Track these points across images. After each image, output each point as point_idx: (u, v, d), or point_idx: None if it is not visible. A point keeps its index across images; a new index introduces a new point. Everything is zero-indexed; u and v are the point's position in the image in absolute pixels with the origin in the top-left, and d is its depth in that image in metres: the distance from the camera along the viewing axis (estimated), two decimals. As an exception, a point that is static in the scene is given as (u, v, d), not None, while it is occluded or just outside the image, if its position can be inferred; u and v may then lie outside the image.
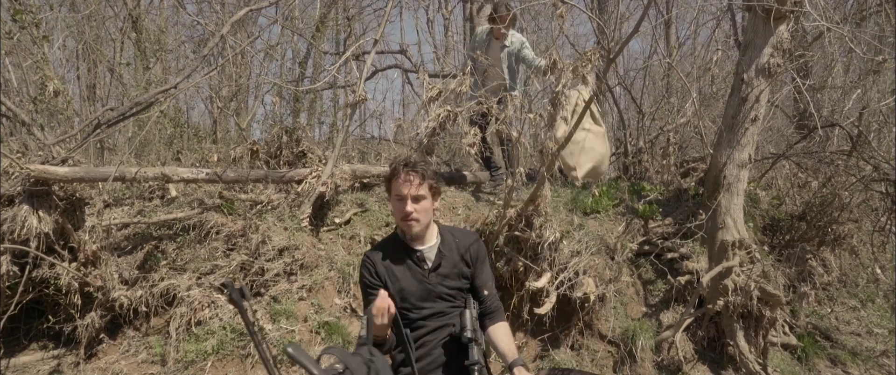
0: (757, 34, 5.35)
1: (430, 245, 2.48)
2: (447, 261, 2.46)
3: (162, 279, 5.07)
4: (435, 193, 2.43)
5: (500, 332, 2.51)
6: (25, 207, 4.58)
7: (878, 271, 6.45)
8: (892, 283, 6.42)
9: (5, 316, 4.61)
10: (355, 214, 5.94)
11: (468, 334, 2.35)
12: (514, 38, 6.31)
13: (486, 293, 2.52)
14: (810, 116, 6.32)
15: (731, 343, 5.06)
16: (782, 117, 8.92)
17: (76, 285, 4.87)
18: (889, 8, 5.40)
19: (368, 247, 5.70)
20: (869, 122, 6.61)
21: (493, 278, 2.58)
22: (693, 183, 6.40)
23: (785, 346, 5.39)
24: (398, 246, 2.47)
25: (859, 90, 6.84)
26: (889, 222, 5.77)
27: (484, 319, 2.53)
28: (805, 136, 7.03)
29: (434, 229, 2.52)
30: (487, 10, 9.45)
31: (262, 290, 5.08)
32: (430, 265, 2.45)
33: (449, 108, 4.46)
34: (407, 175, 2.36)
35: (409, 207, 2.36)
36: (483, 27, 6.56)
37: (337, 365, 1.88)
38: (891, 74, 6.78)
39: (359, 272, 2.55)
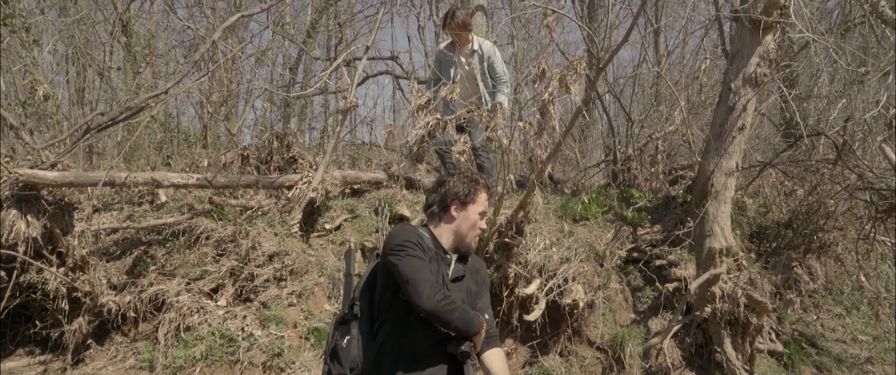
0: (744, 44, 5.43)
1: (451, 256, 2.52)
2: (468, 278, 2.51)
3: (151, 285, 5.06)
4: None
5: (494, 358, 2.52)
6: (14, 211, 4.56)
7: (863, 278, 6.52)
8: (876, 291, 6.50)
9: (-8, 321, 4.59)
10: (346, 220, 5.94)
11: (465, 348, 2.34)
12: (484, 44, 6.00)
13: (486, 317, 2.51)
14: (796, 126, 6.40)
15: (719, 349, 5.10)
16: (769, 126, 9.02)
17: (64, 290, 4.85)
18: (873, 20, 5.48)
19: (359, 253, 5.71)
20: (854, 131, 6.69)
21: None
22: (681, 191, 6.45)
23: (771, 353, 5.44)
24: (434, 242, 2.48)
25: (844, 100, 6.92)
26: (873, 230, 5.84)
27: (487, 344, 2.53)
28: (791, 144, 7.11)
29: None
30: (478, 18, 9.50)
31: (252, 296, 5.07)
32: (450, 273, 2.47)
33: (438, 116, 4.48)
34: (490, 193, 2.57)
35: (484, 223, 2.55)
36: (444, 43, 6.26)
37: None
38: (875, 85, 6.88)
39: (401, 235, 2.38)
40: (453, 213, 2.49)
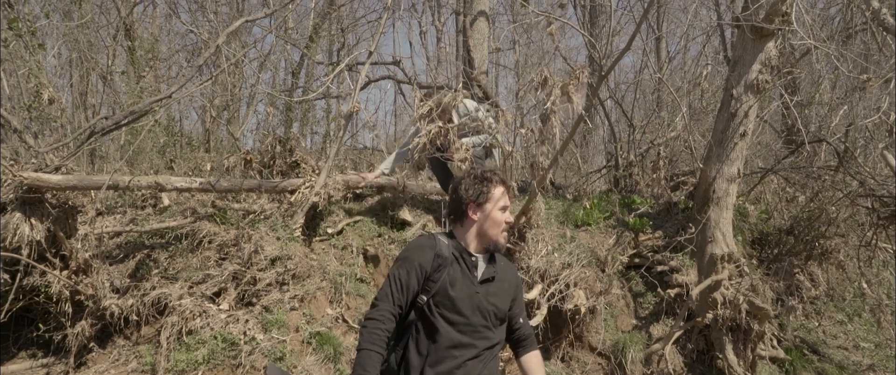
0: (745, 51, 5.45)
1: (477, 256, 2.52)
2: (499, 279, 2.51)
3: (153, 288, 5.06)
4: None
5: (533, 362, 2.62)
6: (18, 214, 4.57)
7: (865, 285, 6.53)
8: (877, 298, 6.50)
9: (-5, 324, 4.60)
10: (348, 224, 5.95)
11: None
12: (468, 105, 5.46)
13: (521, 321, 2.59)
14: (798, 132, 6.41)
15: (720, 355, 5.10)
16: (770, 132, 9.03)
17: (67, 293, 4.85)
18: (874, 27, 5.50)
19: (361, 257, 5.72)
20: (855, 138, 6.71)
21: None
22: (683, 197, 6.46)
23: (773, 359, 5.44)
24: (458, 247, 2.49)
25: (846, 107, 6.93)
26: (875, 237, 5.85)
27: (518, 346, 2.64)
28: (793, 151, 7.12)
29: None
30: (481, 23, 9.55)
31: (254, 300, 5.08)
32: (479, 274, 2.48)
33: (440, 124, 4.49)
34: (506, 186, 2.54)
35: (509, 216, 2.52)
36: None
37: None
38: (876, 92, 6.89)
39: (404, 251, 2.52)
40: (471, 216, 2.50)
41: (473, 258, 2.49)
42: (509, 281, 2.56)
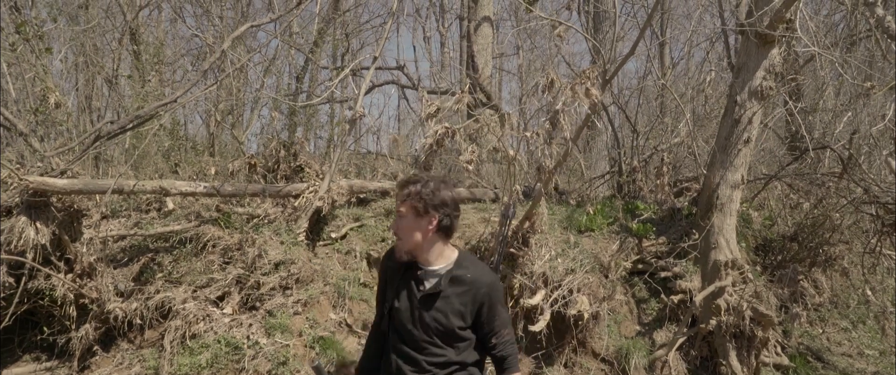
0: (749, 57, 5.45)
1: (433, 269, 2.38)
2: (447, 294, 2.35)
3: (157, 292, 5.07)
4: (419, 214, 2.34)
5: None
6: (23, 218, 4.58)
7: (869, 292, 6.51)
8: (882, 305, 6.48)
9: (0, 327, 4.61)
10: (351, 229, 5.96)
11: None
12: None
13: (494, 341, 2.39)
14: (802, 139, 6.42)
15: (724, 362, 5.09)
16: (774, 139, 9.02)
17: (71, 296, 4.86)
18: (878, 34, 5.50)
19: (364, 262, 5.73)
20: (859, 145, 6.70)
21: (507, 320, 2.41)
22: (687, 203, 6.46)
23: (777, 366, 5.42)
24: (411, 258, 2.42)
25: (850, 113, 6.94)
26: (879, 244, 5.84)
27: (497, 368, 2.44)
28: (797, 157, 7.12)
29: (447, 255, 2.41)
30: (484, 28, 9.57)
31: (258, 304, 5.08)
32: (427, 287, 2.37)
33: (447, 125, 4.51)
34: (397, 192, 2.41)
35: (394, 223, 2.40)
36: None
37: None
38: (880, 99, 6.89)
39: (381, 261, 2.59)
40: None
41: (421, 271, 2.38)
42: (462, 298, 2.34)
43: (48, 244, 4.68)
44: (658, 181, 6.63)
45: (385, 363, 2.45)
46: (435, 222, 2.34)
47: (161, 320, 5.00)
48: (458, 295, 2.35)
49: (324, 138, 9.34)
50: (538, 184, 5.11)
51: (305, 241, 5.60)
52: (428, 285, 2.37)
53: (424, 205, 2.32)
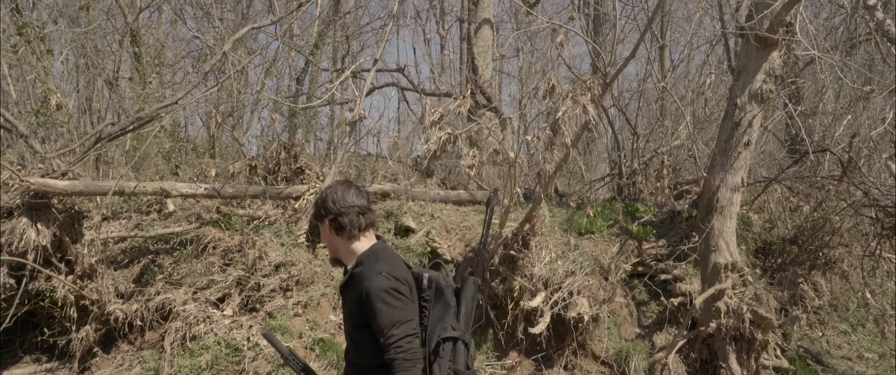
0: (750, 60, 5.46)
1: (349, 269, 2.38)
2: (346, 294, 2.36)
3: (158, 294, 5.08)
4: (319, 221, 2.42)
5: None
6: (24, 219, 4.59)
7: (869, 295, 6.51)
8: (881, 308, 6.48)
9: (0, 328, 4.61)
10: (352, 231, 5.95)
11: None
12: None
13: (381, 341, 2.16)
14: (802, 142, 6.42)
15: (724, 365, 5.09)
16: (774, 142, 9.03)
17: (72, 298, 4.87)
18: (878, 37, 5.52)
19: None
20: (859, 148, 6.70)
21: (394, 319, 2.14)
22: (686, 205, 6.46)
23: (776, 369, 5.42)
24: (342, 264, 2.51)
25: (850, 117, 6.94)
26: (879, 247, 5.84)
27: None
28: (797, 161, 7.12)
29: (356, 254, 2.36)
30: (485, 31, 9.59)
31: (258, 306, 5.09)
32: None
33: (449, 131, 4.51)
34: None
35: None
36: None
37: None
38: (880, 102, 6.90)
39: None
40: None
41: (346, 273, 2.40)
42: (352, 296, 2.28)
43: (49, 246, 4.69)
44: (658, 184, 6.64)
45: None
46: (328, 225, 2.38)
47: (161, 321, 5.01)
48: (351, 294, 2.31)
49: (324, 140, 9.35)
50: (538, 187, 5.12)
51: (306, 243, 5.61)
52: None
53: (317, 213, 2.44)
